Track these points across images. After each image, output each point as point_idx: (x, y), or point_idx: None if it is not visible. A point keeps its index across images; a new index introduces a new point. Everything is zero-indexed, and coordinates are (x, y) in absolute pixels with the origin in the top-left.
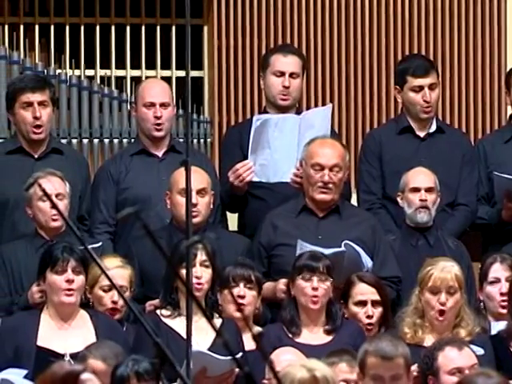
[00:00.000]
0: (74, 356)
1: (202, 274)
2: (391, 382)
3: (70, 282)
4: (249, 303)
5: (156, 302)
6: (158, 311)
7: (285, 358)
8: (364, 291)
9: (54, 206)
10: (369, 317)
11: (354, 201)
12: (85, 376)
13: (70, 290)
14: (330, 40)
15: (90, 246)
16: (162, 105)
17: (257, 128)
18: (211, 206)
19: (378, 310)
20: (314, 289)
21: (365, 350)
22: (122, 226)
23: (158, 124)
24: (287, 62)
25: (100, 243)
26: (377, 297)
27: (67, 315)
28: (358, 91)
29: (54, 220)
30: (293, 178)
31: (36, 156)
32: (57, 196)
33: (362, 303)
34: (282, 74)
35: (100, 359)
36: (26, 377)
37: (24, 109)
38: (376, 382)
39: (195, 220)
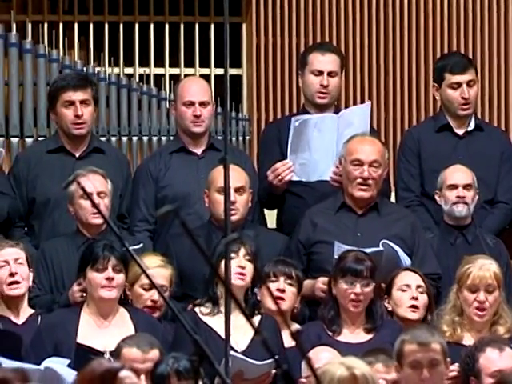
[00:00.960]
0: (113, 353)
1: (245, 265)
2: (429, 368)
3: (110, 279)
4: (288, 299)
5: (198, 301)
6: (196, 309)
7: (323, 356)
8: (408, 277)
9: (94, 204)
10: (413, 298)
11: (392, 199)
12: (123, 373)
13: (110, 286)
14: (369, 37)
15: (131, 248)
16: (202, 103)
17: (296, 128)
18: (249, 204)
19: (423, 297)
20: (357, 294)
21: (401, 339)
22: (161, 223)
23: (198, 122)
24: (325, 61)
25: (141, 245)
26: (421, 282)
27: (107, 312)
28: (397, 89)
29: (95, 217)
30: (332, 176)
31: (77, 155)
32: (98, 194)
33: (406, 286)
34: (321, 72)
35: (134, 346)
36: (68, 366)
37: (66, 107)
38: (414, 369)
39: (233, 218)
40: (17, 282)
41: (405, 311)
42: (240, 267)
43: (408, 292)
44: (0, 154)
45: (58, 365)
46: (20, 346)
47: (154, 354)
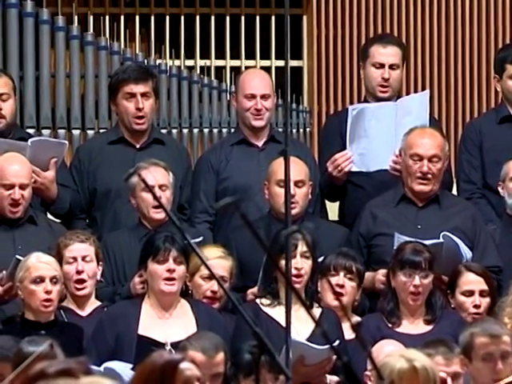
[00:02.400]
0: (174, 345)
1: (302, 265)
2: (501, 361)
3: (171, 271)
4: (347, 293)
5: (255, 290)
6: (257, 300)
7: (388, 349)
8: (472, 281)
9: (155, 197)
10: (476, 306)
11: (454, 190)
12: (184, 365)
13: (171, 279)
14: (430, 29)
15: (191, 241)
16: (263, 96)
17: (353, 118)
18: (309, 197)
19: (486, 300)
20: (416, 286)
21: (471, 332)
22: (221, 215)
23: (259, 114)
24: (387, 54)
25: (201, 238)
26: (484, 286)
27: (168, 304)
28: (458, 81)
29: (156, 212)
30: (392, 165)
31: (138, 146)
32: (160, 187)
33: (470, 293)
34: (382, 65)
35: (200, 351)
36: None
37: (127, 100)
38: (486, 361)
39: (293, 211)
40: (82, 281)
41: (467, 316)
42: (296, 269)
43: (471, 299)
44: (64, 146)
45: (118, 363)
46: (82, 337)
47: (220, 357)
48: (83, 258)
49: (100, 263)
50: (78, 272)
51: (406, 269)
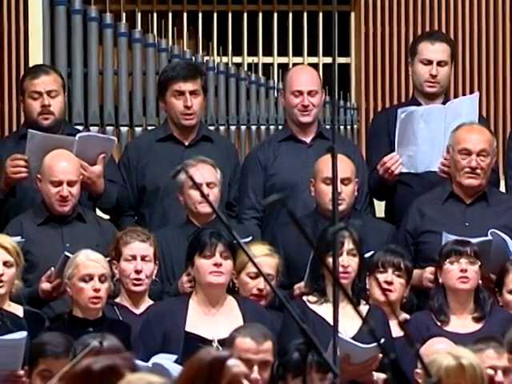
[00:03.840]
0: (221, 342)
1: (348, 263)
2: None
3: (217, 265)
4: (395, 290)
5: (301, 284)
6: (304, 297)
7: (439, 348)
8: None
9: (203, 195)
10: None
11: (502, 188)
12: (231, 362)
13: (217, 272)
14: (478, 26)
15: (239, 239)
16: (310, 93)
17: (402, 120)
18: (355, 194)
19: None
20: (463, 270)
21: None
22: (269, 212)
23: (306, 111)
24: (435, 50)
25: (250, 238)
26: None
27: (215, 300)
28: (507, 78)
29: (204, 206)
30: (440, 167)
31: (186, 143)
32: (208, 185)
33: None
34: (430, 62)
35: (248, 336)
36: (175, 361)
37: (175, 97)
38: None
39: (339, 208)
40: (139, 280)
41: None
42: (343, 266)
43: None
44: (112, 141)
45: (166, 361)
46: (129, 335)
47: (268, 345)
48: (143, 258)
49: (156, 262)
50: (137, 271)
51: (451, 257)
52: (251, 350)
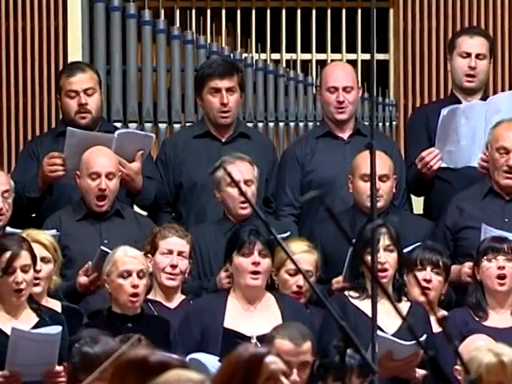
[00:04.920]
0: (260, 338)
1: (385, 260)
2: None
3: (256, 264)
4: (434, 288)
5: (339, 278)
6: (346, 292)
7: (479, 344)
8: None
9: (241, 193)
10: None
11: None
12: (269, 359)
13: (255, 272)
14: None
15: (278, 236)
16: (345, 89)
17: (444, 117)
18: (393, 190)
19: None
20: (500, 268)
21: None
22: (307, 208)
23: (340, 107)
24: (474, 44)
25: (288, 233)
26: None
27: (253, 298)
28: None
29: (243, 208)
30: (480, 162)
31: (223, 140)
32: (246, 182)
33: None
34: (468, 54)
35: (287, 339)
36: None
37: (212, 94)
38: None
39: (377, 205)
40: (173, 274)
41: None
42: (380, 263)
43: None
44: (150, 138)
45: (204, 355)
46: (168, 330)
47: (307, 346)
48: (179, 253)
49: (190, 261)
50: (173, 266)
51: (488, 255)
52: (290, 353)
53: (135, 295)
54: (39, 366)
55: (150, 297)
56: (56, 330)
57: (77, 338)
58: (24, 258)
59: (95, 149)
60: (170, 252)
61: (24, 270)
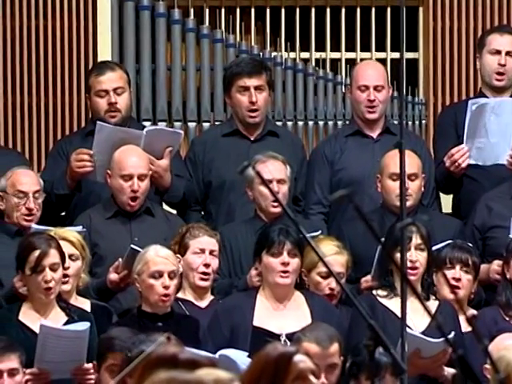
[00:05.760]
0: (289, 336)
1: (417, 258)
2: None
3: (285, 264)
4: (463, 286)
5: (368, 277)
6: (374, 291)
7: (508, 344)
8: None
9: (272, 192)
10: None
11: None
12: (298, 358)
13: (285, 272)
14: None
15: (308, 235)
16: (376, 87)
17: (473, 113)
18: (422, 190)
19: None
20: None
21: None
22: (335, 207)
23: (372, 106)
24: (504, 41)
25: (319, 232)
26: None
27: (283, 296)
28: None
29: (275, 206)
30: (509, 159)
31: (252, 138)
32: (278, 182)
33: None
34: (498, 52)
35: (314, 342)
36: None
37: (240, 93)
38: None
39: (406, 204)
40: (207, 274)
41: None
42: (411, 261)
43: None
44: (179, 135)
45: (234, 351)
46: (198, 329)
47: (334, 348)
48: (211, 252)
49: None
50: (206, 265)
51: None
52: (317, 356)
53: (166, 296)
54: (68, 364)
55: (180, 296)
56: (84, 326)
57: (106, 336)
58: (53, 256)
59: (126, 148)
60: (203, 251)
61: (53, 268)
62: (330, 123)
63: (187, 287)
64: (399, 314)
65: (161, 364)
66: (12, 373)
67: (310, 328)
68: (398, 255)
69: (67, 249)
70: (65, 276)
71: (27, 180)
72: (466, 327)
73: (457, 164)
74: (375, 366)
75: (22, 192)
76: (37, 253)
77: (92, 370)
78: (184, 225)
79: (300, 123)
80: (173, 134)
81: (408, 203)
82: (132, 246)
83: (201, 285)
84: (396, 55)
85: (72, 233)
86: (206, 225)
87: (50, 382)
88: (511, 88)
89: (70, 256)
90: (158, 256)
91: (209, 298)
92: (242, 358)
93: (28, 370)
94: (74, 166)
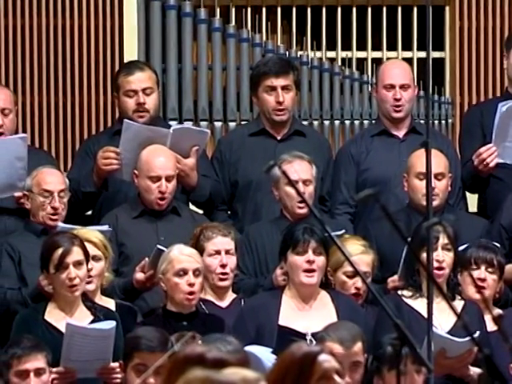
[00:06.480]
0: (315, 336)
1: (443, 258)
2: None
3: (310, 262)
4: (488, 286)
5: (395, 277)
6: (399, 292)
7: None
8: None
9: (298, 192)
10: None
11: None
12: (322, 357)
13: (310, 270)
14: None
15: (333, 234)
16: (402, 86)
17: (502, 114)
18: (449, 189)
19: None
20: None
21: None
22: (362, 207)
23: (398, 105)
24: None
25: (343, 231)
26: None
27: (308, 295)
28: None
29: (300, 207)
30: None
31: (279, 138)
32: (304, 182)
33: None
34: None
35: (337, 342)
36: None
37: (267, 93)
38: None
39: (433, 203)
40: (225, 274)
41: None
42: (438, 261)
43: None
44: (206, 134)
45: (258, 348)
46: (223, 328)
47: (358, 347)
48: (226, 252)
49: (237, 256)
50: (223, 266)
51: None
52: (341, 356)
53: (191, 293)
54: (94, 363)
55: (201, 296)
56: (110, 325)
57: (132, 336)
58: (76, 253)
59: (154, 149)
60: (218, 252)
61: (76, 265)
62: (356, 122)
63: (207, 288)
64: (425, 314)
65: (188, 363)
66: (39, 372)
67: (333, 327)
68: (425, 255)
69: (90, 250)
70: (88, 276)
71: (52, 179)
72: (491, 327)
73: (485, 163)
74: (396, 356)
75: (48, 191)
76: (60, 251)
77: (118, 369)
78: (199, 225)
79: (326, 122)
80: (199, 133)
81: (435, 203)
82: (158, 246)
83: (221, 285)
84: (422, 54)
85: (94, 233)
86: (233, 224)
87: (76, 381)
88: None
89: (93, 257)
90: (182, 254)
91: (229, 297)
92: (266, 355)
93: (54, 369)
94: (100, 164)
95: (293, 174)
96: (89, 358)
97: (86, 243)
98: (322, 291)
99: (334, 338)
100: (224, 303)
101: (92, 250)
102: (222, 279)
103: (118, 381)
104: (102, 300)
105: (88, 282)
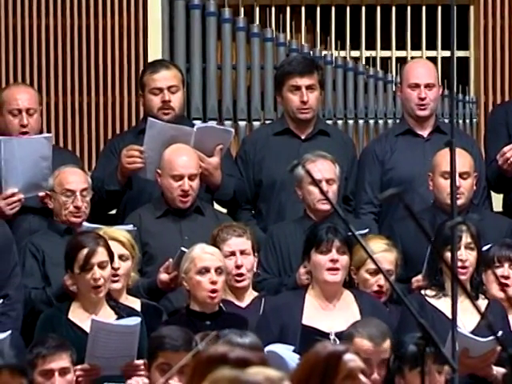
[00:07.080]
0: (338, 335)
1: (466, 257)
2: None
3: (334, 261)
4: None
5: (419, 277)
6: (422, 291)
7: None
8: None
9: (322, 191)
10: None
11: None
12: (347, 357)
13: (334, 269)
14: None
15: (356, 233)
16: (427, 86)
17: None
18: (474, 188)
19: None
20: None
21: None
22: (386, 206)
23: (423, 104)
24: None
25: (367, 230)
26: None
27: (332, 294)
28: None
29: (323, 203)
30: None
31: (303, 137)
32: (327, 181)
33: None
34: None
35: (367, 338)
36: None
37: (292, 92)
38: None
39: (458, 202)
40: (241, 275)
41: None
42: (461, 261)
43: None
44: (230, 133)
45: (281, 348)
46: (246, 328)
47: (387, 344)
48: (242, 252)
49: (255, 255)
50: (238, 266)
51: None
52: (369, 352)
53: (214, 291)
54: (118, 360)
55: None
56: (135, 321)
57: (156, 335)
58: (101, 254)
59: (177, 148)
60: (233, 253)
61: (101, 266)
62: (381, 122)
63: (226, 288)
64: (448, 314)
65: (212, 363)
66: (63, 372)
67: (361, 324)
68: (448, 254)
69: (117, 249)
70: (115, 275)
71: (74, 178)
72: None
73: (509, 162)
74: (418, 356)
75: (70, 190)
76: (85, 251)
77: (142, 367)
78: (217, 226)
79: (350, 122)
80: (223, 132)
81: (459, 202)
82: (182, 248)
83: (238, 286)
84: (447, 53)
85: (122, 232)
86: (257, 224)
87: (100, 378)
88: None
89: (121, 256)
90: (204, 253)
91: (249, 296)
92: (289, 354)
93: (79, 366)
94: (124, 162)
95: (316, 173)
96: (113, 355)
97: (114, 242)
98: (346, 291)
99: (364, 334)
100: (243, 303)
101: (119, 249)
102: (237, 280)
103: (146, 380)
104: (127, 299)
105: (115, 281)
